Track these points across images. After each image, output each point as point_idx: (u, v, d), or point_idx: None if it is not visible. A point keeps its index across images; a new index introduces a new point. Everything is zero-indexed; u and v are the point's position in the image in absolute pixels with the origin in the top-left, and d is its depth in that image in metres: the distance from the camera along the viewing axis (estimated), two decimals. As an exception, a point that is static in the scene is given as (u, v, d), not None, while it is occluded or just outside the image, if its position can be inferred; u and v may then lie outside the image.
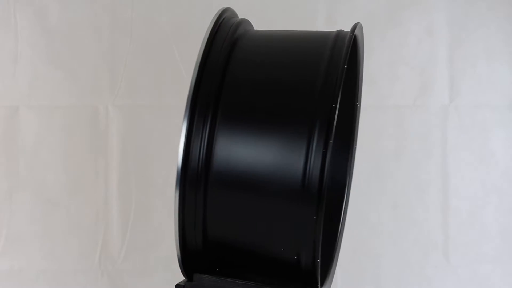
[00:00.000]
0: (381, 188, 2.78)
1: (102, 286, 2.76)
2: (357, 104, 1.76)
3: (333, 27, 1.77)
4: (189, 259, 1.59)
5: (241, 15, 1.77)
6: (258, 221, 1.49)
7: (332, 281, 1.73)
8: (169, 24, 2.74)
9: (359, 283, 2.78)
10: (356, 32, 1.58)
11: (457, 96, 2.84)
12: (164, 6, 2.74)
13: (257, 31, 1.68)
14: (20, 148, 2.74)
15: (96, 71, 2.74)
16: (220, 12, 1.62)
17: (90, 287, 2.76)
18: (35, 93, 2.74)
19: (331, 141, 1.37)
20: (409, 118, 2.82)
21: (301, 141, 1.39)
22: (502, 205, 2.87)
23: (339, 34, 1.55)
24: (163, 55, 2.73)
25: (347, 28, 1.64)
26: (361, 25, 1.61)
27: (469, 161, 2.84)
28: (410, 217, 2.83)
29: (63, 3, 2.74)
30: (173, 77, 2.73)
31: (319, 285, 1.49)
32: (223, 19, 1.62)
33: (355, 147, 1.81)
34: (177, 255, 1.57)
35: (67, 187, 2.75)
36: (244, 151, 1.46)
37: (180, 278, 1.64)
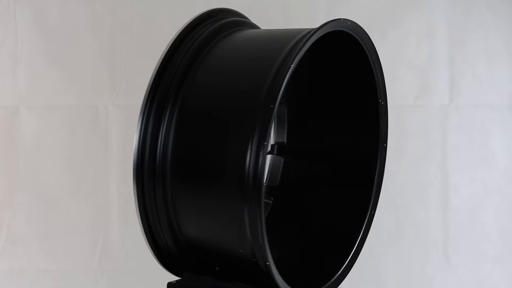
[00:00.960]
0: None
1: (102, 286, 2.76)
2: (381, 102, 1.73)
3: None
4: (169, 258, 1.62)
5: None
6: (215, 223, 1.50)
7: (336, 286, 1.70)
8: (169, 24, 2.74)
9: (359, 283, 2.78)
10: (348, 29, 1.55)
11: (457, 96, 2.84)
12: (164, 6, 2.74)
13: (242, 32, 1.67)
14: (20, 148, 2.74)
15: (96, 71, 2.74)
16: (195, 16, 1.65)
17: (90, 287, 2.76)
18: (35, 93, 2.74)
19: (265, 143, 1.36)
20: (409, 118, 2.82)
21: (243, 144, 1.39)
22: (502, 205, 2.87)
23: (308, 33, 1.51)
24: (163, 55, 2.73)
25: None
26: (345, 21, 1.55)
27: (469, 161, 2.84)
28: (410, 217, 2.83)
29: (63, 3, 2.74)
30: (173, 77, 2.72)
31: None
32: (203, 21, 1.65)
33: (385, 146, 1.75)
34: (151, 253, 1.61)
35: (67, 187, 2.75)
36: (196, 154, 1.49)
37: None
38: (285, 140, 1.83)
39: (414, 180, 2.82)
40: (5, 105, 2.74)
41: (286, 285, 1.48)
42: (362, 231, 1.73)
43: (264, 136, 1.36)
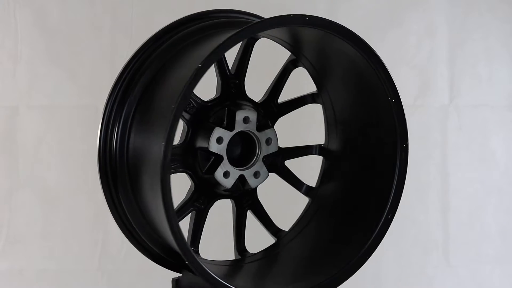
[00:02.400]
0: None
1: (102, 286, 2.76)
2: (391, 99, 1.68)
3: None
4: (162, 259, 1.67)
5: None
6: (163, 226, 1.53)
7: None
8: (169, 24, 2.74)
9: (359, 283, 2.78)
10: (311, 25, 1.56)
11: (457, 96, 2.84)
12: (164, 6, 2.74)
13: (206, 38, 1.70)
14: (20, 148, 2.74)
15: (96, 71, 2.74)
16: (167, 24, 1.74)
17: (90, 287, 2.76)
18: (35, 93, 2.74)
19: (163, 143, 1.38)
20: (409, 118, 2.80)
21: (158, 145, 1.43)
22: (502, 205, 2.87)
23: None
24: (163, 55, 2.73)
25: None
26: (302, 17, 1.61)
27: (469, 161, 2.84)
28: (410, 217, 2.83)
29: (63, 3, 2.74)
30: (173, 77, 2.73)
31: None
32: (181, 25, 1.75)
33: (405, 147, 1.69)
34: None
35: (67, 187, 2.75)
36: (138, 157, 1.56)
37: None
38: (327, 142, 1.82)
39: (414, 180, 2.82)
40: (5, 105, 2.74)
41: (216, 278, 1.47)
42: (375, 234, 1.71)
43: (168, 134, 1.39)
